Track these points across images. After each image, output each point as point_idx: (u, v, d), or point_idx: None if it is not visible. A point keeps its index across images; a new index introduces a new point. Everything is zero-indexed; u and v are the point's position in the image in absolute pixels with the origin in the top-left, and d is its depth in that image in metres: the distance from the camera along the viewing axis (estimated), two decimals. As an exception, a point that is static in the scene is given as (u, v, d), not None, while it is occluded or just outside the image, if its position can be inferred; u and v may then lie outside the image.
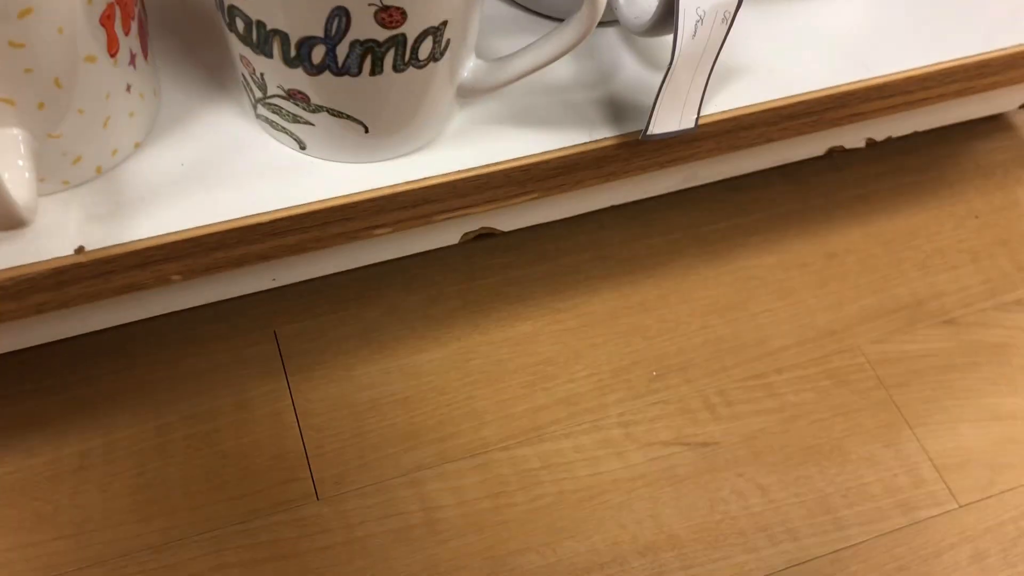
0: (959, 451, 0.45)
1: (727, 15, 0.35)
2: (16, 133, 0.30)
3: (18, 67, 0.29)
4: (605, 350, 0.47)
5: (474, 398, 0.45)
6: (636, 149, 0.38)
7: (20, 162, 0.30)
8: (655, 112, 0.36)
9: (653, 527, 0.42)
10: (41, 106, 0.30)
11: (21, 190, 0.29)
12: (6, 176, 0.28)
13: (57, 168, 0.32)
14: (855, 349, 0.49)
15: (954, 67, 0.42)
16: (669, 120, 0.37)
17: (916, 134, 0.53)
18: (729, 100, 0.39)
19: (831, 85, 0.40)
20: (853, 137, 0.49)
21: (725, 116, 0.39)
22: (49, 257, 0.32)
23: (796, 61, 0.41)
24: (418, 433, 0.44)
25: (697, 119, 0.38)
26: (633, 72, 0.40)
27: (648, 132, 0.37)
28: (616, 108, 0.39)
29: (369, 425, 0.44)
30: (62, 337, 0.40)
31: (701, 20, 0.35)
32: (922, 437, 0.46)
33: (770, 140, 0.41)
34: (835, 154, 0.51)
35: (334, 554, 0.40)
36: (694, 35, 0.35)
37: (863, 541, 0.42)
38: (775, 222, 0.53)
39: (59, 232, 0.32)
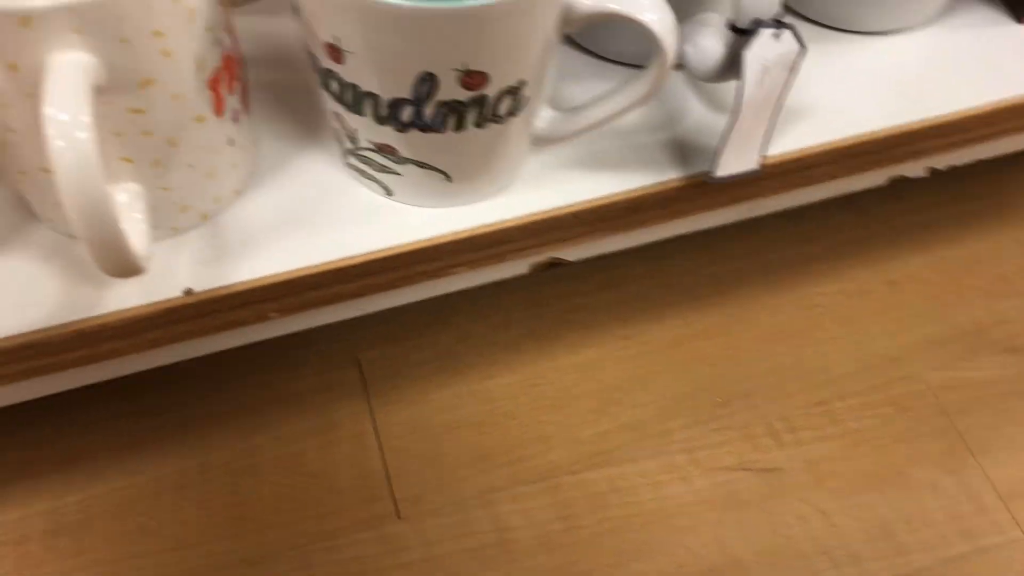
0: (1023, 479, 0.46)
1: (792, 64, 0.37)
2: (133, 188, 0.33)
3: (137, 130, 0.32)
4: (669, 376, 0.49)
5: (543, 423, 0.47)
6: (701, 189, 0.40)
7: (137, 215, 0.33)
8: (720, 155, 0.38)
9: (717, 550, 0.43)
10: (156, 163, 0.33)
11: (138, 241, 0.32)
12: (125, 229, 0.31)
13: (167, 217, 0.35)
14: (917, 376, 0.49)
15: (1016, 104, 0.43)
16: (734, 162, 0.39)
17: (979, 162, 0.53)
18: (792, 141, 0.41)
19: (892, 125, 0.42)
20: (915, 168, 0.50)
21: (788, 157, 0.40)
22: (161, 299, 0.35)
23: (857, 101, 0.42)
24: (490, 456, 0.46)
25: (761, 160, 0.40)
26: (698, 115, 0.42)
27: (714, 175, 0.38)
28: (682, 150, 0.41)
29: (445, 447, 0.46)
30: (161, 364, 0.43)
31: (766, 69, 0.36)
32: (985, 465, 0.47)
33: (833, 177, 0.43)
34: (897, 183, 0.52)
35: (414, 571, 0.43)
36: (759, 83, 0.37)
37: (925, 567, 0.43)
38: (837, 250, 0.54)
39: (169, 276, 0.35)
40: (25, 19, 0.27)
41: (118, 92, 0.30)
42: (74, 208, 0.27)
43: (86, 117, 0.27)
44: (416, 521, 0.44)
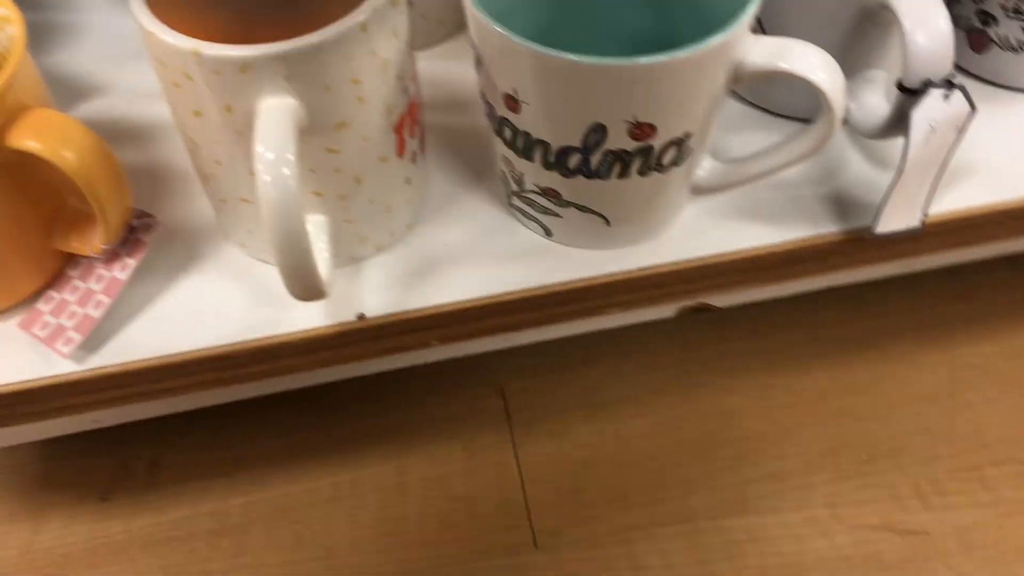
0: None
1: (961, 125, 0.36)
2: (321, 219, 0.36)
3: (329, 168, 0.35)
4: (814, 430, 0.48)
5: (683, 466, 0.47)
6: (860, 244, 0.40)
7: (322, 244, 0.36)
8: (882, 212, 0.38)
9: (857, 610, 0.43)
10: (342, 198, 0.36)
11: (323, 267, 0.35)
12: (315, 256, 0.34)
13: (347, 247, 0.38)
14: (1080, 448, 0.47)
15: None
16: (896, 219, 0.39)
17: None
18: (956, 200, 0.40)
19: (1066, 187, 0.40)
20: (1087, 231, 0.48)
21: (951, 216, 0.40)
22: (336, 322, 0.37)
23: (1026, 161, 0.41)
24: (629, 495, 0.47)
25: (923, 218, 0.39)
26: (859, 169, 0.42)
27: (876, 231, 0.38)
28: (841, 204, 0.41)
29: (584, 482, 0.47)
30: (328, 381, 0.46)
31: (933, 129, 0.36)
32: None
33: (996, 239, 0.42)
34: (1066, 246, 0.50)
35: (549, 601, 0.44)
36: (926, 142, 0.36)
37: (1081, 649, 0.41)
38: (998, 310, 0.53)
39: (345, 301, 0.38)
40: (244, 66, 0.30)
41: (316, 133, 0.33)
42: (274, 236, 0.30)
43: (291, 156, 0.30)
44: (553, 552, 0.45)
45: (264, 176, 0.29)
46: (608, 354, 0.52)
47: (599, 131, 0.33)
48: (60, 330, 0.37)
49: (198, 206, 0.41)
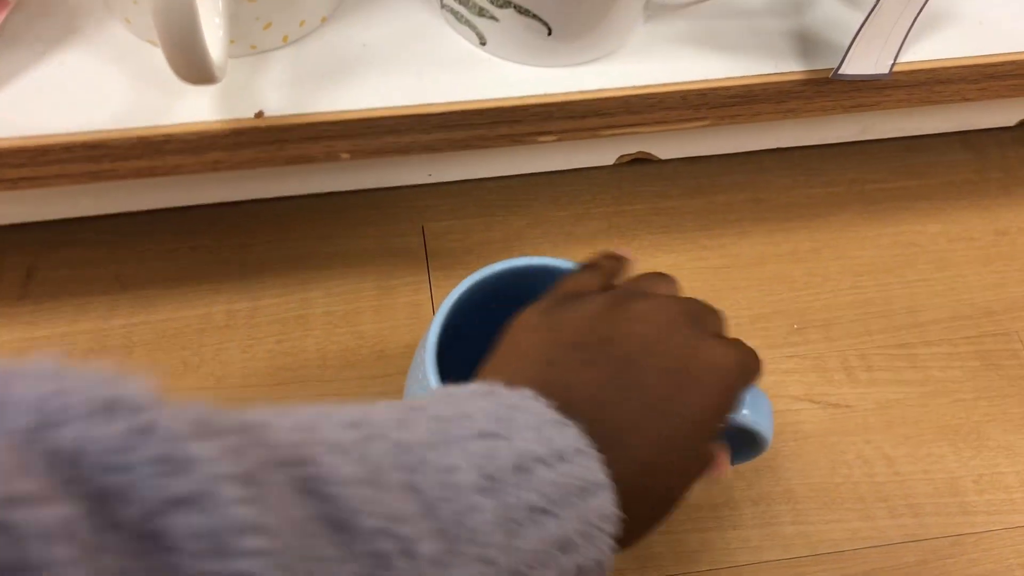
0: (1110, 457, 0.43)
1: (949, -45, 0.33)
2: (217, -9, 0.31)
3: (228, -75, 0.29)
4: (747, 294, 0.46)
5: (607, 321, 0.45)
6: (821, 88, 0.37)
7: (216, 20, 0.31)
8: (851, 51, 0.34)
9: (770, 478, 0.41)
10: (243, -33, 0.31)
11: (215, 48, 0.30)
12: (204, 32, 0.29)
13: (248, 32, 0.33)
14: (1013, 333, 0.46)
15: None
16: (864, 62, 0.35)
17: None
18: (930, 50, 0.37)
19: (1046, 47, 0.37)
20: (1053, 110, 0.46)
21: (923, 66, 0.37)
22: (230, 117, 0.33)
23: (1012, 15, 0.38)
24: (547, 346, 0.44)
25: (893, 65, 0.36)
26: (829, 7, 0.38)
27: (840, 71, 0.35)
28: (807, 42, 0.37)
29: (500, 331, 0.44)
30: (227, 200, 0.42)
31: (919, -42, 0.33)
32: (1071, 436, 0.43)
33: (966, 99, 0.39)
34: (1028, 126, 0.47)
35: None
36: (908, -27, 0.33)
37: (988, 531, 0.41)
38: (947, 190, 0.50)
39: (242, 95, 0.33)
40: None
41: None
42: (151, -8, 0.25)
43: None
44: (461, 399, 0.42)
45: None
46: (538, 201, 0.48)
47: (548, -92, 0.28)
48: (-97, 96, 0.31)
49: (79, -26, 0.36)
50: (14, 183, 0.33)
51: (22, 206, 0.38)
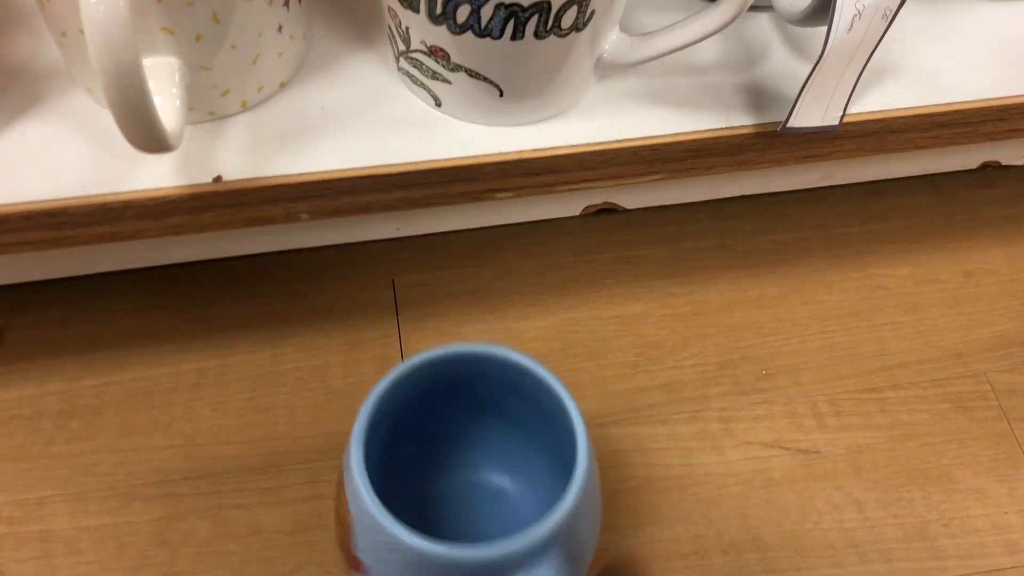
0: (1081, 498, 0.43)
1: (888, 12, 0.33)
2: (172, 62, 0.32)
3: (181, 0, 0.30)
4: (715, 341, 0.46)
5: (575, 371, 0.45)
6: (773, 141, 0.37)
7: (173, 90, 0.31)
8: (798, 104, 0.35)
9: (740, 526, 0.41)
10: (198, 38, 0.32)
11: (171, 117, 0.31)
12: (159, 102, 0.30)
13: (206, 99, 0.34)
14: (981, 376, 0.46)
15: None
16: (812, 115, 0.36)
17: (1083, 157, 0.49)
18: (878, 100, 0.38)
19: (992, 96, 0.38)
20: (1011, 154, 0.47)
21: (872, 117, 0.37)
22: (189, 183, 0.33)
23: (958, 66, 0.39)
24: (517, 397, 0.44)
25: (842, 117, 0.37)
26: (780, 60, 0.39)
27: (787, 124, 0.35)
28: (757, 95, 0.38)
29: (470, 383, 0.44)
30: (192, 260, 0.43)
31: (859, 15, 0.33)
32: (1041, 478, 0.43)
33: (918, 147, 0.40)
34: (989, 169, 0.48)
35: (421, 502, 0.41)
36: (850, 29, 0.33)
37: (960, 575, 0.41)
38: (913, 233, 0.51)
39: (200, 160, 0.34)
40: None
41: (161, -48, 0.28)
42: (102, 68, 0.26)
43: (119, -31, 0.25)
44: (430, 453, 0.42)
45: (87, -6, 0.25)
46: (506, 252, 0.48)
47: (489, -22, 0.29)
48: None
49: (43, 42, 0.37)
50: (-22, 251, 0.34)
51: (-8, 270, 0.38)
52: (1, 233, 0.33)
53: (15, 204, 0.33)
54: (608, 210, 0.45)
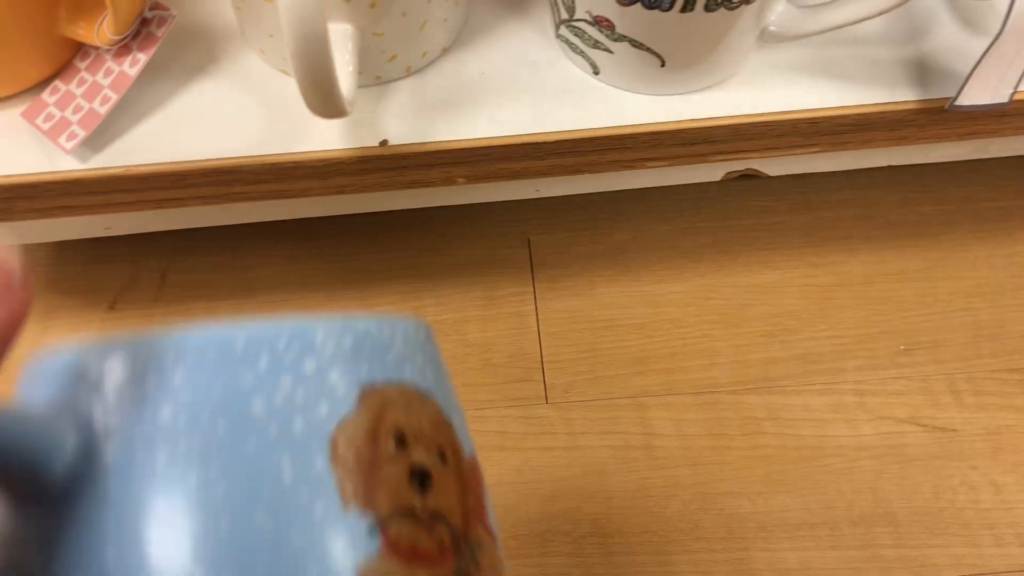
0: None
1: (1077, -13, 0.32)
2: (347, 28, 0.33)
3: (359, -31, 0.31)
4: (853, 313, 0.46)
5: (709, 337, 0.45)
6: (936, 117, 0.36)
7: (347, 56, 0.33)
8: (969, 81, 0.34)
9: (871, 500, 0.41)
10: (372, 5, 0.32)
11: (346, 83, 0.32)
12: (337, 71, 0.31)
13: (374, 64, 0.35)
14: None
15: None
16: (982, 92, 0.35)
17: None
18: (1054, 77, 0.36)
19: None
20: None
21: (1046, 95, 0.36)
22: (357, 146, 0.34)
23: None
24: (649, 360, 0.45)
25: (1013, 94, 0.35)
26: (949, 34, 0.37)
27: (956, 102, 0.34)
28: (922, 70, 0.37)
29: (603, 343, 0.45)
30: (344, 213, 0.44)
31: (1045, -11, 0.32)
32: None
33: (1091, 126, 0.38)
34: None
35: (554, 457, 0.42)
36: (1033, 5, 0.32)
37: (1099, 565, 0.40)
38: (1068, 209, 0.49)
39: (368, 124, 0.35)
40: None
41: (347, -75, 0.29)
42: (292, 39, 0.27)
43: (315, -55, 0.26)
44: (564, 409, 0.43)
45: (283, -34, 0.26)
46: (643, 214, 0.49)
47: (666, -48, 0.29)
48: (64, 124, 0.34)
49: (220, 4, 0.38)
50: (158, 203, 0.36)
51: (157, 218, 0.40)
52: (179, 188, 0.35)
53: (194, 161, 0.34)
54: (748, 176, 0.45)
